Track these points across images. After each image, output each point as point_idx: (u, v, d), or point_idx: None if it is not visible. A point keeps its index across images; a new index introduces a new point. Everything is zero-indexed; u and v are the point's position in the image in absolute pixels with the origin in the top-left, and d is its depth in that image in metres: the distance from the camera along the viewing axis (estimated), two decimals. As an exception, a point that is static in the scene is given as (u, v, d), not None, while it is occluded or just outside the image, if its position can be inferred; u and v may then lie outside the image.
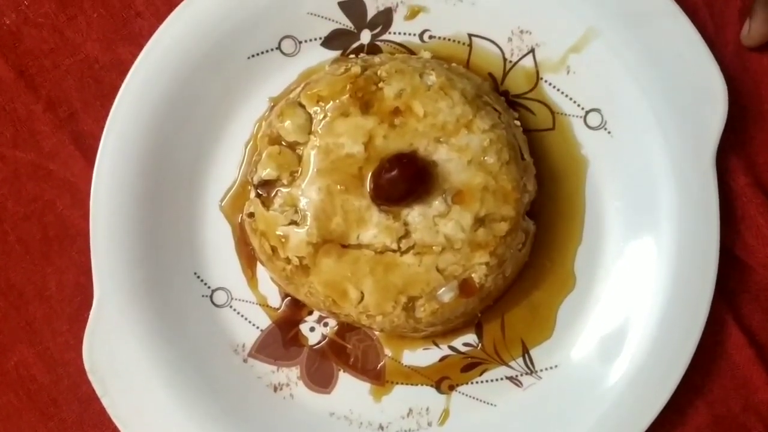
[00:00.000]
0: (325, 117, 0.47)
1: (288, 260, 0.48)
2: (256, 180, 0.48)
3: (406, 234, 0.47)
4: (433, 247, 0.46)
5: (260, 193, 0.48)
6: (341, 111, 0.47)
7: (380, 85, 0.47)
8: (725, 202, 0.50)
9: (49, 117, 0.52)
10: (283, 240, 0.47)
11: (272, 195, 0.48)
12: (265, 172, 0.48)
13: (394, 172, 0.45)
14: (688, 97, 0.48)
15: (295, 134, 0.48)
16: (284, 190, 0.48)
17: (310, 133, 0.47)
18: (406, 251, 0.47)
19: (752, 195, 0.51)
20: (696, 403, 0.51)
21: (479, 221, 0.47)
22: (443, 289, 0.47)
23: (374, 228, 0.46)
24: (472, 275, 0.47)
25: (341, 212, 0.47)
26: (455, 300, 0.47)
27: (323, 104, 0.47)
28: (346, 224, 0.47)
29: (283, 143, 0.48)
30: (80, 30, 0.52)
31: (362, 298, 0.47)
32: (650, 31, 0.48)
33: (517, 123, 0.50)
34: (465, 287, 0.47)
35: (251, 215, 0.49)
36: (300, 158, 0.48)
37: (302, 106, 0.48)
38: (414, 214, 0.47)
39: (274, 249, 0.48)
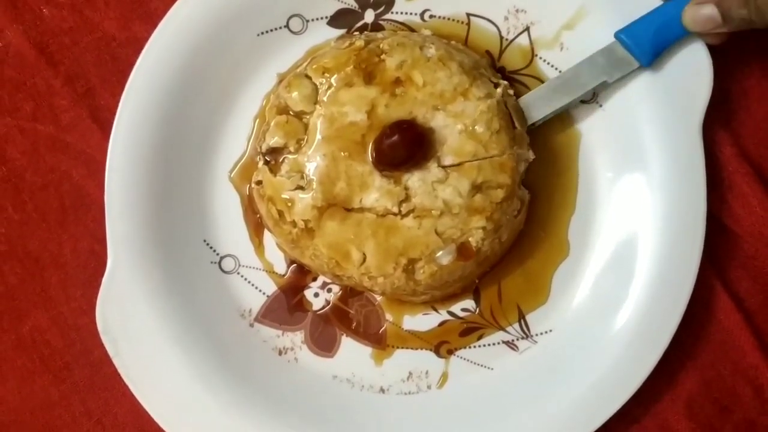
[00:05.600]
0: (330, 87, 0.50)
1: (294, 224, 0.50)
2: (264, 148, 0.51)
3: (407, 198, 0.49)
4: (432, 211, 0.49)
5: (268, 160, 0.51)
6: (345, 81, 0.49)
7: (382, 57, 0.50)
8: (713, 172, 0.52)
9: (67, 92, 0.54)
10: (289, 204, 0.50)
11: (279, 161, 0.50)
12: (273, 140, 0.50)
13: (394, 138, 0.48)
14: (676, 70, 0.50)
15: (302, 104, 0.50)
16: (291, 156, 0.50)
17: (315, 102, 0.50)
18: (407, 214, 0.49)
19: (738, 165, 0.53)
20: (687, 367, 0.53)
21: (476, 188, 0.49)
22: (442, 251, 0.49)
23: (376, 192, 0.49)
24: (470, 239, 0.49)
25: (345, 177, 0.49)
26: (453, 263, 0.49)
27: (329, 75, 0.50)
28: (349, 189, 0.49)
29: (291, 113, 0.50)
30: (98, 9, 0.55)
31: (364, 260, 0.49)
32: (639, 7, 0.50)
33: (511, 92, 0.52)
34: (463, 250, 0.49)
35: (259, 182, 0.51)
36: (306, 127, 0.50)
37: (309, 78, 0.50)
38: (414, 179, 0.49)
39: (280, 213, 0.50)
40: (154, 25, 0.52)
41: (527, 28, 0.53)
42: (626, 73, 0.50)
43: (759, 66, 0.54)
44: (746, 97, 0.54)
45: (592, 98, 0.53)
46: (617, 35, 0.50)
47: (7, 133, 0.55)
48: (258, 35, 0.53)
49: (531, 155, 0.51)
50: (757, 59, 0.54)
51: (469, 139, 0.48)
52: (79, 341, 0.54)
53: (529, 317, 0.53)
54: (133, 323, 0.51)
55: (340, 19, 0.53)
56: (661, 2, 0.50)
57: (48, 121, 0.55)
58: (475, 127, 0.48)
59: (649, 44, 0.49)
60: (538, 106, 0.51)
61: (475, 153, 0.49)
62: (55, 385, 0.54)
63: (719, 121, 0.53)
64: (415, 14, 0.54)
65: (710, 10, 0.47)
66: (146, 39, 0.52)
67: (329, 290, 0.54)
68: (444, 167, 0.49)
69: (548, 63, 0.53)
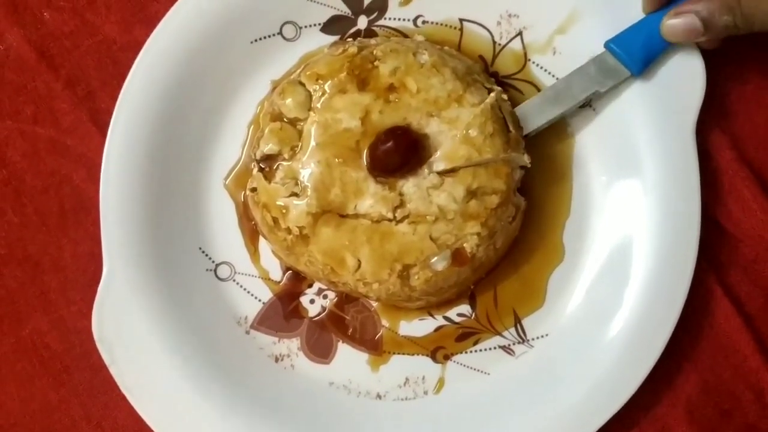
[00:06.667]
0: (324, 94, 0.50)
1: (289, 230, 0.50)
2: (258, 155, 0.51)
3: (401, 204, 0.49)
4: (427, 217, 0.49)
5: (262, 167, 0.51)
6: (339, 88, 0.50)
7: (376, 63, 0.50)
8: (712, 176, 0.52)
9: (68, 95, 0.55)
10: (284, 211, 0.50)
11: (274, 168, 0.50)
12: (267, 147, 0.50)
13: (389, 144, 0.48)
14: (669, 74, 0.50)
15: (296, 111, 0.50)
16: (285, 163, 0.50)
17: (309, 109, 0.50)
18: (401, 220, 0.49)
19: (738, 168, 0.52)
20: (686, 371, 0.52)
21: (471, 194, 0.49)
22: (437, 257, 0.49)
23: (371, 198, 0.49)
24: (464, 245, 0.49)
25: (339, 184, 0.49)
26: (448, 268, 0.49)
27: (322, 82, 0.50)
28: (344, 195, 0.49)
29: (285, 119, 0.50)
30: (99, 13, 0.55)
31: (359, 266, 0.49)
32: (631, 12, 0.50)
33: (505, 97, 0.52)
34: (457, 256, 0.49)
35: (254, 190, 0.51)
36: (300, 133, 0.50)
37: (302, 85, 0.50)
38: (408, 185, 0.49)
39: (275, 220, 0.50)
40: (155, 29, 0.52)
41: (520, 33, 0.53)
42: (618, 82, 0.50)
43: (758, 69, 0.54)
44: (745, 100, 0.53)
45: (585, 103, 0.53)
46: (607, 45, 0.50)
47: (7, 136, 0.55)
48: (251, 42, 0.53)
49: (527, 159, 0.50)
50: (757, 62, 0.54)
51: (462, 143, 0.48)
52: (79, 345, 0.54)
53: (525, 322, 0.53)
54: (129, 331, 0.51)
55: (334, 25, 0.54)
56: (644, 14, 0.50)
57: (48, 124, 0.55)
58: (469, 131, 0.48)
59: (639, 53, 0.49)
60: (532, 116, 0.51)
61: (469, 157, 0.48)
62: (55, 388, 0.54)
63: (719, 125, 0.53)
64: (408, 20, 0.54)
65: (689, 19, 0.46)
66: (147, 43, 0.52)
67: (325, 297, 0.54)
68: (438, 173, 0.49)
69: (541, 67, 0.53)
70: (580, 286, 0.52)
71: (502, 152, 0.49)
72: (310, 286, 0.54)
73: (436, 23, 0.54)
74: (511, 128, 0.50)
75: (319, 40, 0.54)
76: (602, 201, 0.52)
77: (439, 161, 0.49)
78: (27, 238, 0.55)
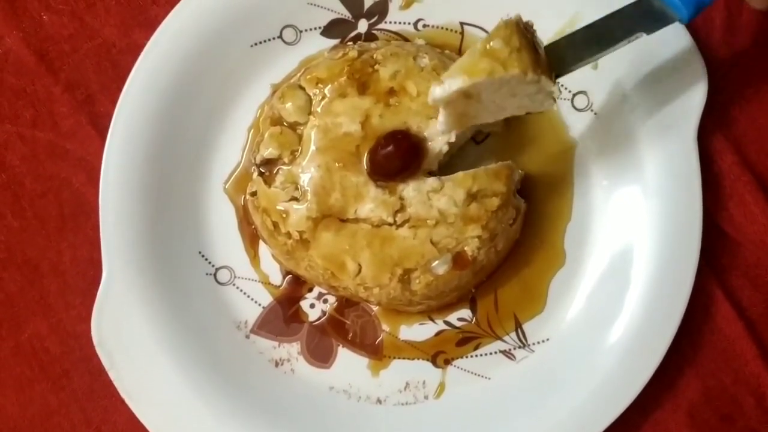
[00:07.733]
0: (324, 98, 0.50)
1: (289, 235, 0.50)
2: (258, 159, 0.51)
3: (402, 208, 0.49)
4: (428, 221, 0.48)
5: (262, 171, 0.51)
6: (339, 92, 0.49)
7: (376, 67, 0.50)
8: (714, 181, 0.52)
9: (67, 98, 0.55)
10: (284, 215, 0.49)
11: (274, 173, 0.50)
12: (267, 151, 0.50)
13: (389, 148, 0.48)
14: (671, 78, 0.50)
15: (296, 115, 0.50)
16: (285, 167, 0.50)
17: (309, 113, 0.50)
18: (402, 224, 0.49)
19: (740, 173, 0.52)
20: (688, 375, 0.52)
21: (471, 196, 0.49)
22: (437, 261, 0.49)
23: (371, 202, 0.49)
24: (465, 248, 0.49)
25: (340, 188, 0.49)
26: (449, 272, 0.49)
27: (322, 86, 0.50)
28: (344, 199, 0.49)
29: (284, 124, 0.50)
30: (98, 16, 0.55)
31: (360, 271, 0.49)
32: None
33: (532, 24, 0.44)
34: (458, 260, 0.49)
35: (254, 194, 0.51)
36: (300, 138, 0.50)
37: (302, 89, 0.50)
38: (409, 189, 0.49)
39: (275, 224, 0.50)
40: (155, 32, 0.52)
41: (522, 36, 0.53)
42: (663, 27, 0.44)
43: (760, 74, 0.53)
44: (747, 105, 0.53)
45: (587, 105, 0.52)
46: None
47: (6, 140, 0.55)
48: (251, 46, 0.53)
49: (557, 91, 0.43)
50: (759, 67, 0.53)
51: (483, 56, 0.40)
52: (78, 349, 0.54)
53: (525, 326, 0.52)
54: (128, 336, 0.51)
55: (334, 29, 0.53)
56: None
57: (48, 128, 0.55)
58: (491, 43, 0.40)
59: None
60: (565, 56, 0.44)
61: (491, 71, 0.40)
62: (54, 392, 0.54)
63: (720, 129, 0.53)
64: (409, 24, 0.53)
65: None
66: (146, 46, 0.52)
67: (325, 301, 0.53)
68: (439, 177, 0.48)
69: (543, 71, 0.53)
70: (581, 291, 0.52)
71: (530, 71, 0.40)
72: (311, 290, 0.53)
73: (437, 27, 0.53)
74: (540, 51, 0.42)
75: (319, 44, 0.53)
76: (603, 205, 0.52)
77: (453, 79, 0.41)
78: (26, 242, 0.54)
